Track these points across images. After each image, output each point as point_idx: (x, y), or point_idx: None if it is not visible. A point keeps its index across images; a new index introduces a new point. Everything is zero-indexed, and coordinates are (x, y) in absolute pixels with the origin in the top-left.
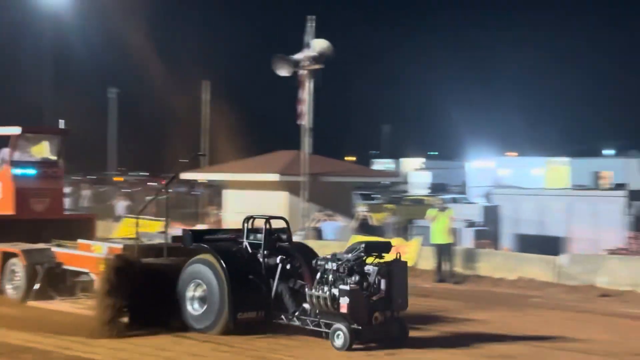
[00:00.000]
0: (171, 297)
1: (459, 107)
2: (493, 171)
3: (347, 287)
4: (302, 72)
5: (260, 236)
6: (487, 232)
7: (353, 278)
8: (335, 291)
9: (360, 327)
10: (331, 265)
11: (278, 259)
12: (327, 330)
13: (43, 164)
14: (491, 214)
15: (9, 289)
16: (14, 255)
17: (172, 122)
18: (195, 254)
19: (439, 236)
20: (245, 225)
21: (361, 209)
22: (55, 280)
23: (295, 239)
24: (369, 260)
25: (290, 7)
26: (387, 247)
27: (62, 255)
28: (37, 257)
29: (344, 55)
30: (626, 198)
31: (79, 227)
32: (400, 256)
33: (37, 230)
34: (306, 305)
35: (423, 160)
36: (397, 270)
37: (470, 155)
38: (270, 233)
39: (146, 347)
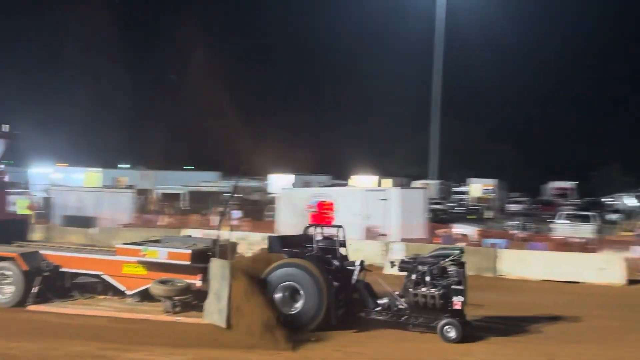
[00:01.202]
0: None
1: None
2: (50, 174)
3: (461, 287)
4: None
5: (328, 242)
6: (45, 214)
7: (452, 279)
8: (443, 290)
9: (463, 320)
10: (421, 268)
11: (358, 261)
12: (419, 323)
13: None
14: (48, 202)
15: None
16: (6, 259)
17: None
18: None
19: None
20: (314, 233)
21: None
22: (52, 283)
23: None
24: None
25: None
26: (463, 251)
27: (59, 258)
28: (35, 261)
29: None
30: (135, 194)
31: (15, 227)
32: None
33: None
34: (381, 301)
35: None
36: (465, 271)
37: (33, 164)
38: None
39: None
